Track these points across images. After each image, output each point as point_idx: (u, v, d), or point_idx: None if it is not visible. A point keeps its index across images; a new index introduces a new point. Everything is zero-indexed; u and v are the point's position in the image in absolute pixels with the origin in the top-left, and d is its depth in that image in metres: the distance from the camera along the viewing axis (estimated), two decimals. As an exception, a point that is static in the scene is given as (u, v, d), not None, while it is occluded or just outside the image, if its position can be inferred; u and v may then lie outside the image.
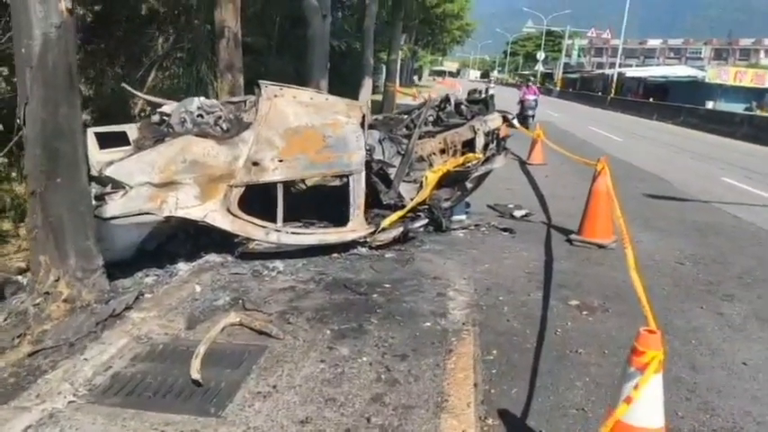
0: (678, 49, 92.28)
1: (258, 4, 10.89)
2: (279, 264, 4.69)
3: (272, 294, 4.12)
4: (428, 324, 3.76)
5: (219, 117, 4.68)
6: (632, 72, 57.21)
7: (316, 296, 4.13)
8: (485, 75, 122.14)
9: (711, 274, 5.21)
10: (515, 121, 6.55)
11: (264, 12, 12.06)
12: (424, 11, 37.16)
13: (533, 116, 17.78)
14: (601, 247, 5.70)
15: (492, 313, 4.03)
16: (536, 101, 18.10)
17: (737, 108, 34.85)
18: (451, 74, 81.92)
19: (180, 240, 5.06)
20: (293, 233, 4.75)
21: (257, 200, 4.77)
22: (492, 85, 31.50)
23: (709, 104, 36.95)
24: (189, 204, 4.33)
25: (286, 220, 5.18)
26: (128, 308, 3.78)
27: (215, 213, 4.42)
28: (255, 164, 4.56)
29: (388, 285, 4.42)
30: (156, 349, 3.31)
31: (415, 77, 70.06)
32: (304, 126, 4.84)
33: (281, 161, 4.65)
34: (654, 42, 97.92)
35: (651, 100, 36.50)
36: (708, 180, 10.85)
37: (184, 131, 4.49)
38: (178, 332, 3.50)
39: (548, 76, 75.30)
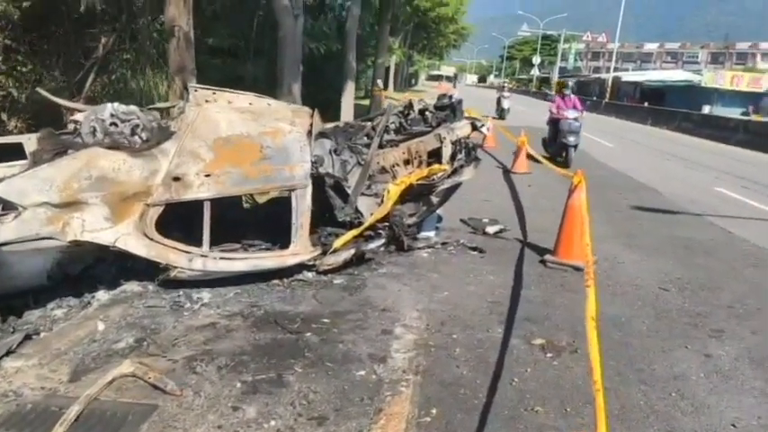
0: (675, 53, 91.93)
1: (218, 3, 10.33)
2: (206, 294, 4.12)
3: (186, 334, 3.54)
4: (362, 373, 3.19)
5: (137, 126, 4.10)
6: (629, 76, 56.78)
7: (238, 336, 3.55)
8: (482, 79, 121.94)
9: (699, 302, 4.65)
10: (485, 129, 5.96)
11: (237, 12, 11.50)
12: (417, 14, 36.83)
13: (576, 146, 11.47)
14: (577, 269, 5.12)
15: (441, 356, 3.45)
16: (579, 120, 11.63)
17: (734, 113, 34.36)
18: (448, 78, 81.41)
19: (107, 264, 4.51)
20: (222, 258, 4.17)
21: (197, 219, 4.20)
22: (506, 93, 24.16)
23: (706, 109, 36.47)
24: (97, 227, 3.75)
25: (226, 240, 4.64)
26: (9, 352, 3.20)
27: (128, 237, 3.83)
28: (177, 179, 3.98)
29: (326, 320, 3.84)
30: (23, 410, 2.72)
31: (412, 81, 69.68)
32: (238, 135, 4.27)
33: (207, 176, 4.07)
34: (651, 46, 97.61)
35: (647, 104, 36.04)
36: (700, 190, 10.31)
37: (95, 142, 3.92)
38: (57, 386, 2.92)
39: (544, 81, 74.92)
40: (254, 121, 4.44)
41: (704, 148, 18.79)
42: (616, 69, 53.35)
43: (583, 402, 3.02)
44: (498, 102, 23.91)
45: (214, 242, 4.25)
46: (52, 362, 3.14)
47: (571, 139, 11.47)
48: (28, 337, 3.37)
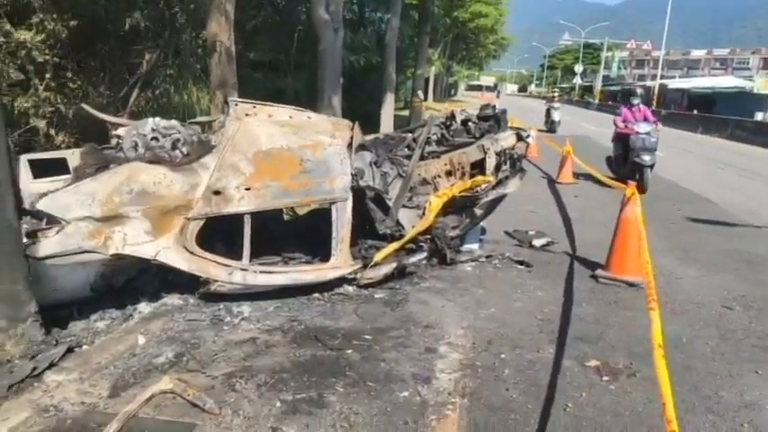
0: (724, 59, 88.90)
1: (261, 17, 10.44)
2: (246, 308, 4.06)
3: (226, 349, 3.47)
4: (405, 394, 3.04)
5: (178, 140, 4.10)
6: (675, 83, 55.10)
7: (277, 352, 3.46)
8: (522, 89, 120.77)
9: (767, 322, 4.32)
10: (530, 139, 5.76)
11: (277, 27, 11.63)
12: (456, 26, 36.75)
13: (652, 166, 9.53)
14: (631, 285, 4.85)
15: (489, 378, 3.27)
16: (653, 135, 9.66)
17: (789, 119, 32.87)
18: (489, 88, 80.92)
19: (150, 276, 4.52)
20: (262, 272, 4.11)
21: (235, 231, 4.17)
22: (556, 104, 21.86)
23: (759, 116, 34.97)
24: (138, 240, 3.75)
25: (266, 253, 4.59)
26: (52, 365, 3.19)
27: (168, 250, 3.81)
28: (217, 193, 3.95)
29: (368, 337, 3.71)
30: (63, 426, 2.68)
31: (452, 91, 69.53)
32: (278, 149, 4.22)
33: (247, 189, 4.03)
34: (698, 53, 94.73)
35: (696, 112, 34.84)
36: (758, 200, 9.76)
37: (136, 157, 3.93)
38: (97, 401, 2.88)
39: (587, 89, 73.54)
40: (295, 135, 4.38)
41: (759, 156, 17.94)
42: (662, 77, 51.88)
43: (643, 431, 2.79)
44: (548, 113, 21.87)
45: (254, 255, 4.20)
46: (92, 376, 3.10)
47: (646, 159, 9.42)
48: (70, 350, 3.35)
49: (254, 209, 4.05)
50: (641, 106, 10.47)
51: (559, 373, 3.36)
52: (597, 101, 57.04)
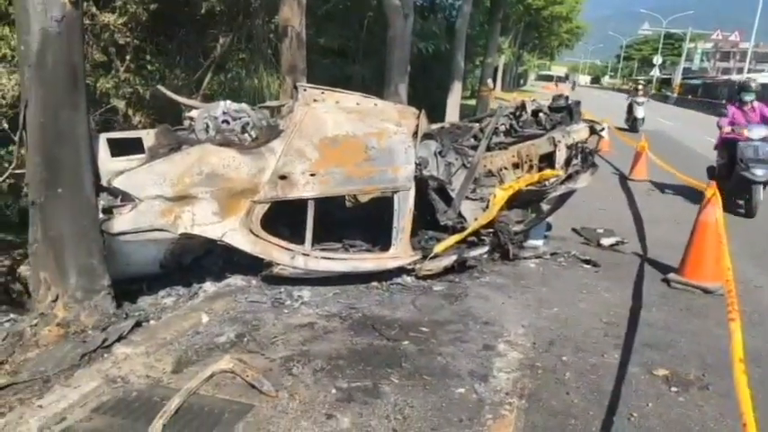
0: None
1: (332, 3, 10.47)
2: (306, 292, 4.10)
3: (285, 332, 3.52)
4: (461, 390, 2.99)
5: (247, 123, 4.17)
6: (765, 78, 51.50)
7: (335, 338, 3.48)
8: (595, 80, 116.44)
9: None
10: (604, 133, 5.52)
11: (348, 12, 11.64)
12: (529, 13, 35.72)
13: (767, 183, 7.62)
14: (707, 292, 4.58)
15: (549, 380, 3.16)
16: None
17: None
18: (559, 78, 78.60)
19: (216, 256, 4.66)
20: (323, 258, 4.14)
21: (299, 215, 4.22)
22: (641, 99, 18.23)
23: None
24: (206, 221, 3.85)
25: (327, 239, 4.63)
26: (121, 338, 3.34)
27: (234, 232, 3.90)
28: (283, 177, 4.00)
29: (425, 329, 3.67)
30: (129, 397, 2.80)
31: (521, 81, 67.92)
32: (344, 135, 4.22)
33: (312, 175, 4.06)
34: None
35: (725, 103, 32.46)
36: None
37: (207, 139, 4.03)
38: (161, 376, 2.99)
39: (665, 82, 70.02)
40: (361, 122, 4.37)
41: None
42: (749, 71, 48.63)
43: (716, 450, 2.63)
44: (630, 109, 18.32)
45: (316, 240, 4.24)
46: (158, 351, 3.22)
47: (759, 173, 7.42)
48: (138, 324, 3.49)
49: (318, 195, 4.08)
50: (755, 104, 8.29)
51: (624, 380, 3.21)
52: (676, 94, 54.18)
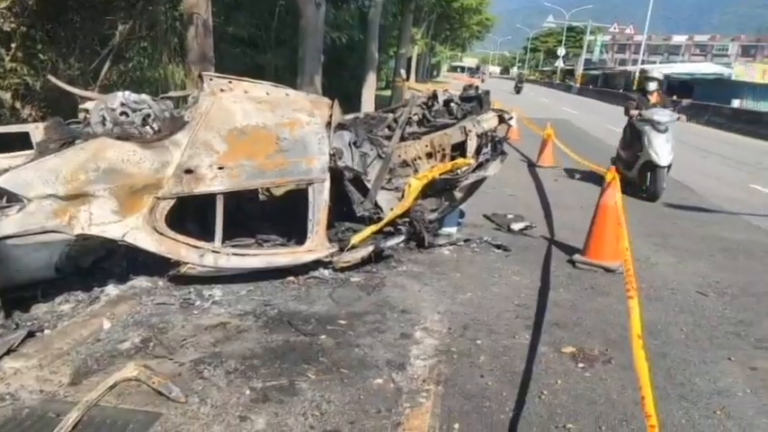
0: (704, 45, 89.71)
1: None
2: (217, 291, 3.95)
3: (195, 334, 3.37)
4: (379, 381, 2.98)
5: (148, 115, 3.93)
6: (656, 69, 55.26)
7: (249, 337, 3.37)
8: (505, 71, 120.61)
9: (741, 309, 4.34)
10: (513, 122, 5.69)
11: (258, 1, 11.31)
12: (440, 5, 36.28)
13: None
14: (608, 270, 4.85)
15: (464, 365, 3.23)
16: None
17: (765, 107, 33.36)
18: (470, 69, 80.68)
19: (118, 257, 4.38)
20: (235, 254, 3.99)
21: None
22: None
23: (736, 103, 35.41)
24: (105, 220, 3.59)
25: (240, 234, 4.47)
26: (10, 351, 3.06)
27: (137, 231, 3.66)
28: (189, 171, 3.79)
29: (343, 322, 3.64)
30: (19, 415, 2.57)
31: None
32: (253, 126, 4.07)
33: (221, 168, 3.88)
34: (679, 39, 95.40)
35: (675, 98, 35.15)
36: (735, 187, 9.87)
37: (104, 132, 3.76)
38: (57, 389, 2.76)
39: (569, 73, 73.68)
40: (271, 112, 4.24)
41: (736, 142, 18.16)
42: (643, 62, 52.15)
43: (619, 420, 2.78)
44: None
45: (227, 236, 4.08)
46: (53, 363, 2.98)
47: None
48: (30, 335, 3.22)
49: (228, 189, 3.91)
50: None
51: (535, 359, 3.33)
52: (578, 84, 57.20)
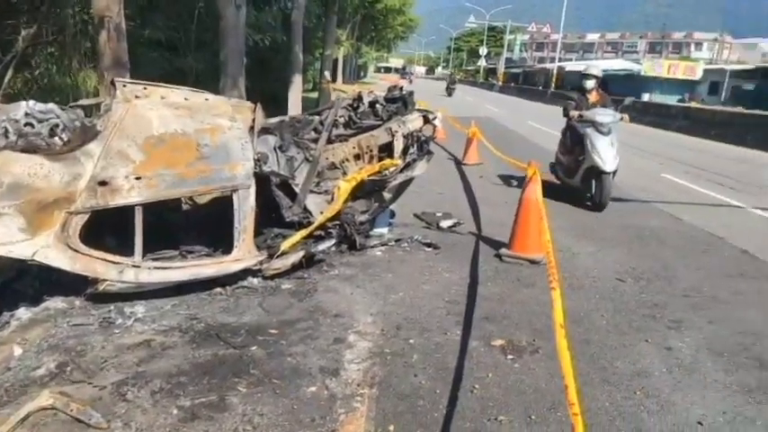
0: (615, 42, 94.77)
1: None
2: (140, 308, 3.77)
3: (117, 354, 3.20)
4: (313, 389, 2.94)
5: (57, 125, 3.70)
6: (572, 66, 57.97)
7: (175, 354, 3.24)
8: (430, 70, 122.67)
9: (656, 292, 4.61)
10: (437, 122, 5.79)
11: (176, 2, 10.92)
12: (364, 6, 36.44)
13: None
14: (533, 262, 5.02)
15: (398, 365, 3.24)
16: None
17: (672, 100, 35.72)
18: (397, 70, 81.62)
19: (30, 277, 4.11)
20: (157, 268, 3.83)
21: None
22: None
23: (645, 96, 37.72)
24: (12, 239, 3.35)
25: (163, 247, 4.29)
26: None
27: (48, 249, 3.44)
28: (103, 183, 3.61)
29: (274, 331, 3.57)
30: None
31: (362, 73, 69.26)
32: (171, 133, 3.92)
33: (138, 178, 3.71)
34: (592, 37, 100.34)
35: (570, 89, 36.94)
36: (648, 177, 10.48)
37: (6, 145, 3.51)
38: (-38, 425, 2.55)
39: (491, 72, 75.90)
40: (191, 118, 4.10)
41: (647, 134, 19.30)
42: (560, 60, 54.49)
43: (547, 408, 2.88)
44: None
45: (149, 249, 3.92)
46: (-43, 397, 2.75)
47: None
48: (-70, 369, 2.96)
49: (146, 200, 3.75)
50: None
51: (466, 354, 3.40)
52: (500, 83, 59.04)
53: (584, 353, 3.50)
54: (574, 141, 7.71)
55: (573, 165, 7.69)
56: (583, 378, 3.19)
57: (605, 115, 7.33)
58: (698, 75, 46.27)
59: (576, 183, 7.64)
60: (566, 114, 7.83)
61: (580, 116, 7.50)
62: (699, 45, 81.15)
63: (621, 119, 7.48)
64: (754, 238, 6.44)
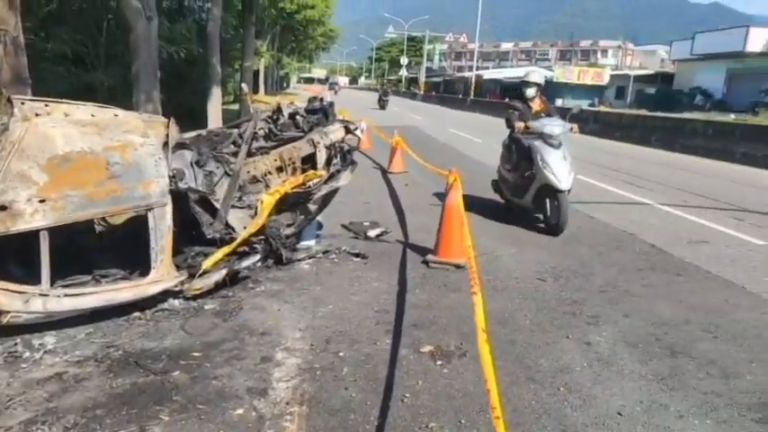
0: (528, 51, 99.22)
1: (54, 2, 9.26)
2: (50, 338, 3.52)
3: (24, 391, 2.97)
4: (240, 411, 2.85)
5: (-54, 148, 3.42)
6: (489, 74, 60.29)
7: (90, 385, 3.04)
8: (353, 80, 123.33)
9: (574, 289, 4.82)
10: (359, 132, 5.80)
11: (81, 14, 10.39)
12: (283, 17, 36.21)
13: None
14: (458, 267, 5.12)
15: (328, 380, 3.20)
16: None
17: (583, 104, 37.71)
18: (320, 80, 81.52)
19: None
20: (67, 295, 3.60)
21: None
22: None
23: (559, 102, 39.67)
24: None
25: (75, 272, 4.04)
26: None
27: (-60, 282, 3.17)
28: (2, 208, 3.36)
29: (198, 354, 3.43)
30: None
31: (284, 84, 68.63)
32: (78, 152, 3.71)
33: (42, 201, 3.48)
34: (507, 46, 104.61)
35: (507, 100, 38.39)
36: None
37: None
38: None
39: (413, 81, 77.32)
40: (98, 135, 3.90)
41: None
42: (477, 68, 56.32)
43: (477, 411, 2.92)
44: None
45: (59, 275, 3.68)
46: None
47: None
48: None
49: (52, 223, 3.51)
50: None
51: (396, 363, 3.40)
52: (422, 92, 60.26)
53: (509, 353, 3.59)
54: (520, 156, 6.89)
55: (520, 182, 6.84)
56: (510, 378, 3.28)
57: (555, 126, 6.57)
58: (605, 80, 49.25)
59: (527, 203, 6.78)
60: (509, 126, 6.98)
61: (526, 128, 6.71)
62: (604, 52, 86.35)
63: (572, 129, 6.79)
64: (660, 233, 6.87)
